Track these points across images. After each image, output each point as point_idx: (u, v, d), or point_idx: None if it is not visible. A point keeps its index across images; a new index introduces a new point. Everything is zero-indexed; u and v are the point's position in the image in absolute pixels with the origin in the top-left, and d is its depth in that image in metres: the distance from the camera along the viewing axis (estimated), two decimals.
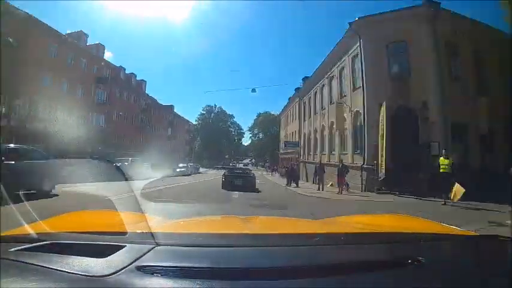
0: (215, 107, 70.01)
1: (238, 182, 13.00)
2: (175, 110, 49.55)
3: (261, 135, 69.47)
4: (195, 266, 0.82)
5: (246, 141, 78.36)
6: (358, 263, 0.92)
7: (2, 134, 16.04)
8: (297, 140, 29.76)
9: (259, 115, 67.57)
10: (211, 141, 65.14)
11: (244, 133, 76.72)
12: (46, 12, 40.66)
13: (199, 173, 34.80)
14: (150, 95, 40.01)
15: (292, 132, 33.60)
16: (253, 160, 75.08)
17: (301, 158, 27.20)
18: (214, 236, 1.22)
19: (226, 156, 66.71)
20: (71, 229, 1.15)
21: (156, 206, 6.88)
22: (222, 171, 16.62)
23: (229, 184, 12.91)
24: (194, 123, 66.05)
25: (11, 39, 17.20)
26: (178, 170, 26.53)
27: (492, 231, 1.73)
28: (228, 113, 69.96)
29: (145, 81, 39.16)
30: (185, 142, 53.33)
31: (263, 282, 0.78)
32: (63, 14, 28.73)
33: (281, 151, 43.02)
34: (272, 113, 65.84)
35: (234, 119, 72.41)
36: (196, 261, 0.84)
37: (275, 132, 63.45)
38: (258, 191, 13.08)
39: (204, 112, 69.41)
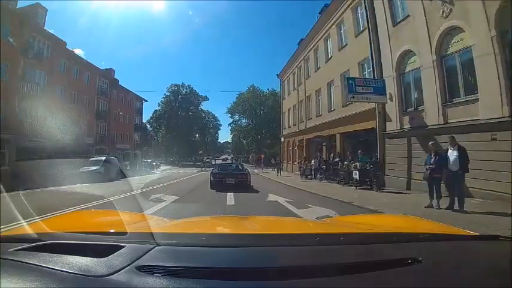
0: (183, 87, 53.23)
1: (231, 180, 11.05)
2: (116, 77, 31.57)
3: (243, 121, 53.61)
4: (195, 266, 0.81)
5: (222, 136, 62.95)
6: (358, 263, 0.89)
7: None
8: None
9: (240, 94, 51.23)
10: (179, 131, 48.72)
11: (220, 125, 61.42)
12: None
13: (154, 173, 24.25)
14: (56, 34, 22.15)
15: (330, 82, 17.61)
16: (233, 155, 59.53)
17: (396, 125, 10.90)
18: (214, 236, 1.22)
19: (200, 152, 50.69)
20: (71, 229, 1.15)
21: None
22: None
23: (219, 183, 10.92)
24: (158, 108, 49.68)
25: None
26: (83, 170, 15.56)
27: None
28: (200, 94, 53.09)
29: (46, 9, 21.31)
30: (133, 127, 35.39)
31: (263, 282, 0.77)
32: None
33: (285, 132, 27.14)
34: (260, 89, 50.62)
35: (207, 107, 56.25)
36: (196, 261, 0.84)
37: (265, 113, 48.46)
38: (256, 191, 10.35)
39: (169, 93, 52.54)
